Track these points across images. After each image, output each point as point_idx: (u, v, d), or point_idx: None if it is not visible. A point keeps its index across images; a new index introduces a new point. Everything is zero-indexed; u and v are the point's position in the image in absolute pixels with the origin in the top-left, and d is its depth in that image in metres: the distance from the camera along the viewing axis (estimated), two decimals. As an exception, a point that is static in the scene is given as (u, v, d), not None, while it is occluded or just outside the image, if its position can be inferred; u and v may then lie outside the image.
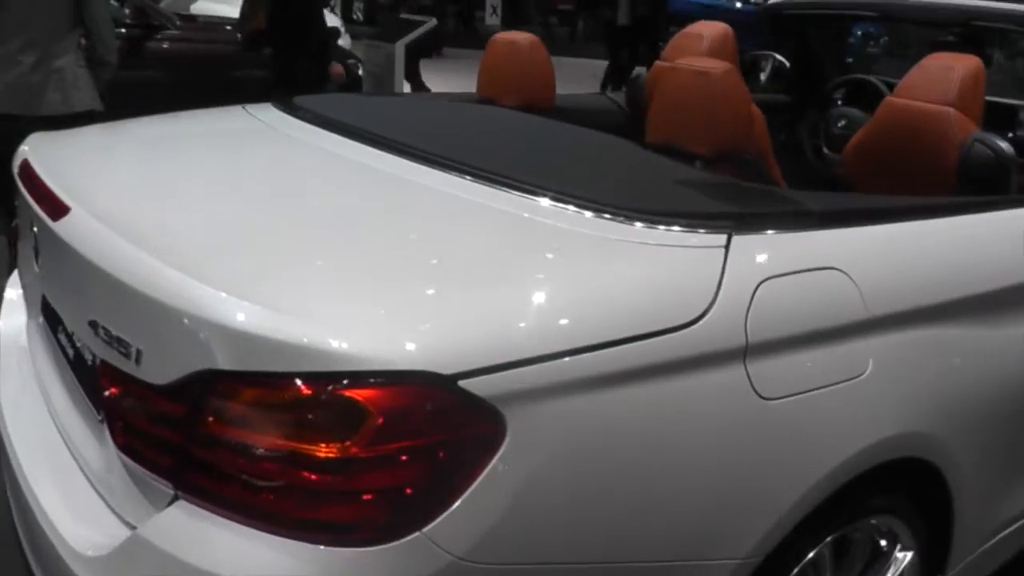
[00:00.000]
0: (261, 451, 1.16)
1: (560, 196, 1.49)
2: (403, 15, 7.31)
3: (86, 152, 1.97)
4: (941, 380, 1.65)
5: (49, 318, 1.82)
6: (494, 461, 1.16)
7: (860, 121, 3.01)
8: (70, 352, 1.66)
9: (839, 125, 3.21)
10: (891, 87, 3.14)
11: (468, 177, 1.58)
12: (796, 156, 3.30)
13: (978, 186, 1.99)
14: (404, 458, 1.14)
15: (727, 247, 1.40)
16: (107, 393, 1.34)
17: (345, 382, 1.13)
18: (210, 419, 1.19)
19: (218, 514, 1.19)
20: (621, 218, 1.43)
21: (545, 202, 1.49)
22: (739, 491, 1.35)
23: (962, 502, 1.74)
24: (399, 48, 6.06)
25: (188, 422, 1.21)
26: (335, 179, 1.75)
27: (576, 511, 1.22)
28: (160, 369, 1.23)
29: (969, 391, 1.71)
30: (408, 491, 1.14)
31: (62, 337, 1.71)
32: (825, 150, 3.27)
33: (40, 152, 1.79)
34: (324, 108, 2.14)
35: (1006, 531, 2.02)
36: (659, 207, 1.49)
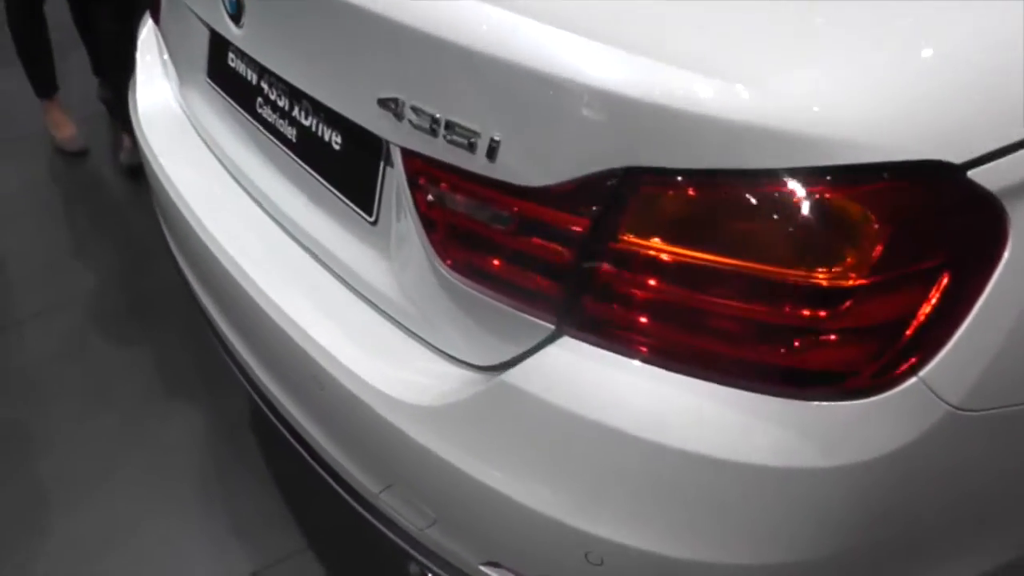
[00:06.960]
0: (703, 274, 0.86)
1: None
2: None
3: None
4: None
5: (231, 87, 1.46)
6: (996, 275, 0.87)
7: None
8: (290, 132, 1.31)
9: None
10: None
11: None
12: None
13: None
14: (909, 278, 0.84)
15: None
16: (429, 197, 1.01)
17: (830, 178, 0.81)
18: (628, 231, 0.87)
19: (635, 358, 0.90)
20: None
21: None
22: None
23: None
24: None
25: (589, 236, 0.89)
26: None
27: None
28: (532, 166, 0.90)
29: None
30: (909, 323, 0.85)
31: (266, 111, 1.36)
32: None
33: None
34: None
35: None
36: None
